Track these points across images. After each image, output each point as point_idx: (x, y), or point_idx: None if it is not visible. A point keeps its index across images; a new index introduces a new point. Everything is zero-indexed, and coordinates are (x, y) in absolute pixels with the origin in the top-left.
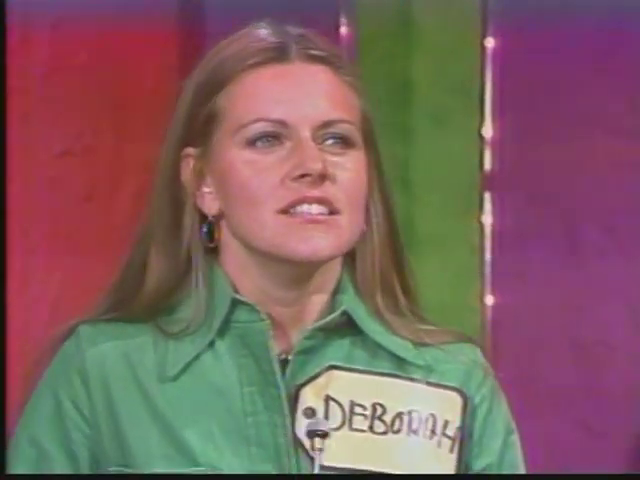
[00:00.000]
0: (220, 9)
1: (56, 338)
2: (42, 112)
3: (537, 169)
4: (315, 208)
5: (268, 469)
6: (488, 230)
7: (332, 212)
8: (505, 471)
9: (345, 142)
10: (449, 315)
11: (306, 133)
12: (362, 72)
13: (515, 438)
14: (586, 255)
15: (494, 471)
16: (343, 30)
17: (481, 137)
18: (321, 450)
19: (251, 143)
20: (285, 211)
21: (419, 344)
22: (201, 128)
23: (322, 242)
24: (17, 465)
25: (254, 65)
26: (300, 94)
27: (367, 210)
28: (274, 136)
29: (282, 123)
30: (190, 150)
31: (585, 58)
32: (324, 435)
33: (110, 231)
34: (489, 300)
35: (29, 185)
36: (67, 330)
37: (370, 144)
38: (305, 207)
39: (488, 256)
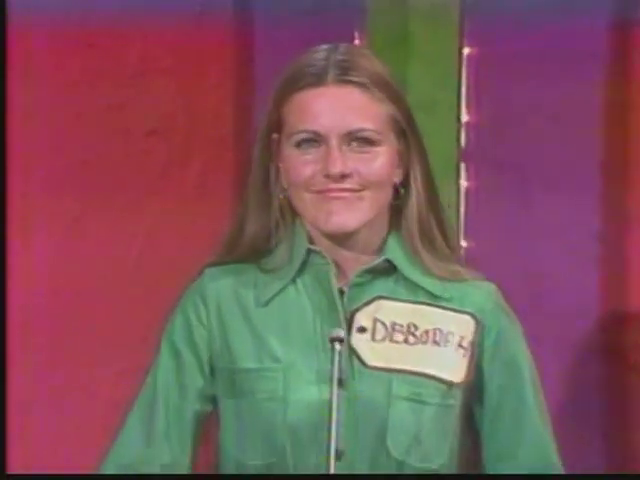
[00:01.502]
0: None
1: (191, 279)
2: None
3: (504, 146)
4: (342, 194)
5: (332, 369)
6: (463, 191)
7: (358, 190)
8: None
9: (369, 142)
10: None
11: (334, 141)
12: None
13: (527, 371)
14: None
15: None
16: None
17: (459, 121)
18: (340, 354)
19: (298, 145)
20: (318, 192)
21: (446, 280)
22: (277, 123)
23: (346, 217)
24: (160, 362)
25: (300, 88)
26: (331, 111)
27: (407, 177)
28: (313, 141)
29: (317, 133)
30: (275, 136)
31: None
32: (341, 341)
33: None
34: (463, 243)
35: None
36: (198, 273)
37: (404, 137)
38: (333, 194)
39: (462, 210)
